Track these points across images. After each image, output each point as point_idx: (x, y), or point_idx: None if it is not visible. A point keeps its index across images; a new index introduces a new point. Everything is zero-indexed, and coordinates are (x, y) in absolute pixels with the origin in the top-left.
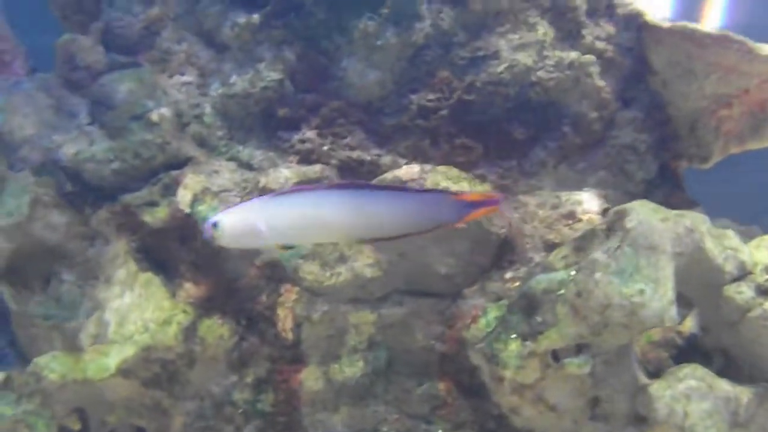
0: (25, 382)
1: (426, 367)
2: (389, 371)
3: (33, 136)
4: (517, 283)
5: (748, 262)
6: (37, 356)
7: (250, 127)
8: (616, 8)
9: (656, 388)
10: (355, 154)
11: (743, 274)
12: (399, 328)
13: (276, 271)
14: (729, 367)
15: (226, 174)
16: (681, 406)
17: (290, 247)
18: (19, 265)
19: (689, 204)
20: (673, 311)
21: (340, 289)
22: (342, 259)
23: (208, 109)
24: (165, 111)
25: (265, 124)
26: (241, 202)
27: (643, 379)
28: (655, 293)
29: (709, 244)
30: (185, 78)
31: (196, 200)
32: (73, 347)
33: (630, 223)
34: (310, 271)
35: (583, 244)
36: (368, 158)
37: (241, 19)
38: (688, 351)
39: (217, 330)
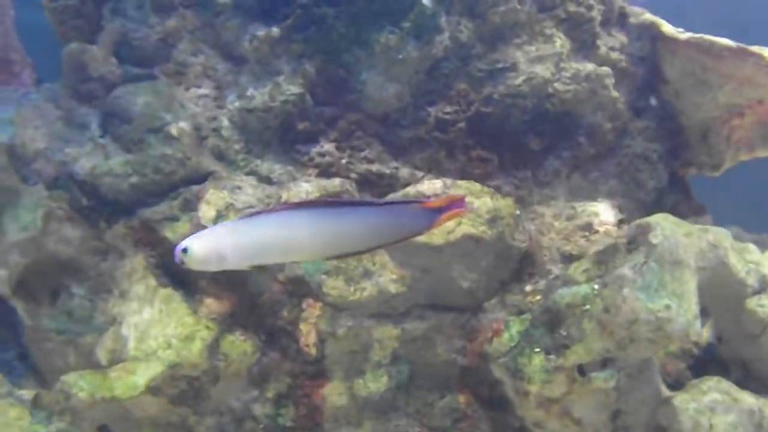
0: (55, 400)
1: (447, 380)
2: (410, 385)
3: (45, 150)
4: (538, 297)
5: None
6: (50, 371)
7: (268, 140)
8: (628, 17)
9: (680, 400)
10: (374, 168)
11: (764, 287)
12: (421, 342)
13: (299, 287)
14: (747, 377)
15: (249, 189)
16: (706, 418)
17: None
18: (28, 279)
19: (698, 211)
20: (698, 325)
21: (364, 305)
22: (366, 274)
23: (225, 123)
24: (184, 125)
25: (282, 137)
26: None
27: (666, 391)
28: (680, 308)
29: (733, 259)
30: (202, 91)
31: (219, 216)
32: (88, 362)
33: (655, 238)
34: (334, 286)
35: (604, 257)
36: (387, 171)
37: (261, 32)
38: (705, 362)
39: (240, 346)
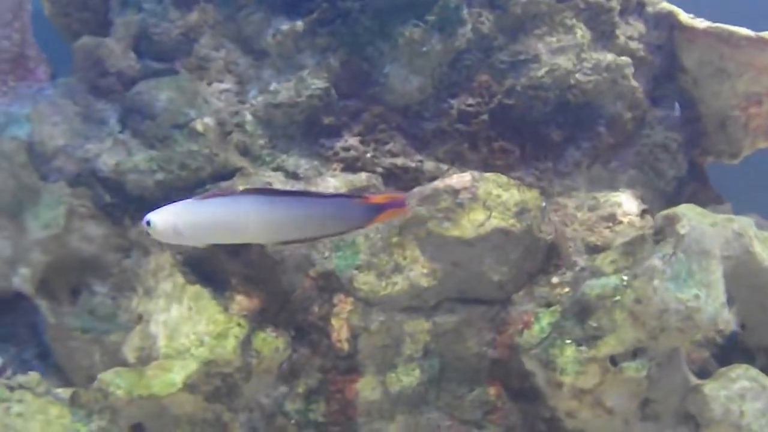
0: (93, 399)
1: (476, 373)
2: (441, 378)
3: (66, 146)
4: (567, 289)
5: None
6: (75, 369)
7: (292, 135)
8: (645, 6)
9: (711, 388)
10: (399, 161)
11: None
12: (452, 335)
13: (329, 282)
14: None
15: (278, 186)
16: (736, 405)
17: None
18: (49, 277)
19: (717, 200)
20: (725, 314)
21: (396, 299)
22: (397, 268)
23: (248, 118)
24: (208, 120)
25: (306, 131)
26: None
27: (693, 379)
28: (708, 297)
29: (757, 248)
30: (223, 85)
31: None
32: (114, 360)
33: (683, 229)
34: (365, 281)
35: (632, 248)
36: (413, 165)
37: (285, 26)
38: (729, 350)
39: (272, 342)
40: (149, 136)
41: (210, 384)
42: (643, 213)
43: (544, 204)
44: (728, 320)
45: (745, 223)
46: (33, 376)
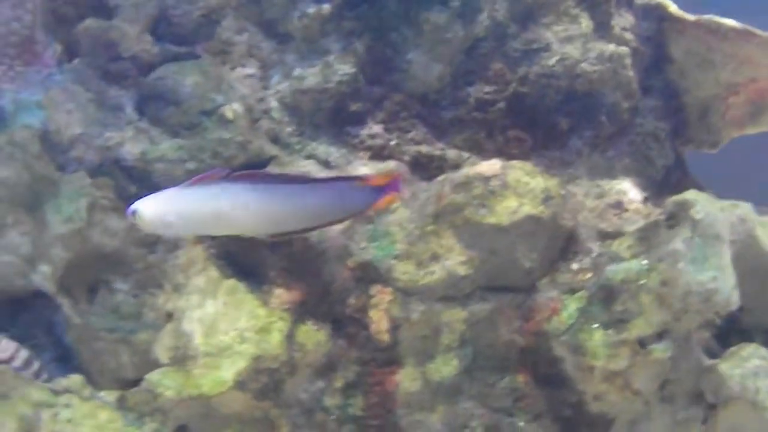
0: (143, 401)
1: (506, 361)
2: (473, 367)
3: (83, 135)
4: (589, 275)
5: None
6: (101, 371)
7: (318, 123)
8: None
9: (726, 367)
10: (424, 149)
11: None
12: (485, 323)
13: (366, 272)
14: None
15: (319, 174)
16: (752, 382)
17: None
18: (68, 275)
19: (698, 187)
20: (737, 295)
21: (434, 288)
22: (435, 257)
23: (274, 104)
24: (237, 106)
25: (332, 119)
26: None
27: (706, 360)
28: (723, 280)
29: (760, 232)
30: (247, 70)
31: None
32: (143, 361)
33: (698, 214)
34: (404, 270)
35: (646, 234)
36: (437, 153)
37: (311, 9)
38: (727, 331)
39: (314, 335)
40: (173, 123)
41: (258, 381)
42: (645, 200)
43: (563, 191)
44: (738, 301)
45: (747, 208)
46: (76, 379)
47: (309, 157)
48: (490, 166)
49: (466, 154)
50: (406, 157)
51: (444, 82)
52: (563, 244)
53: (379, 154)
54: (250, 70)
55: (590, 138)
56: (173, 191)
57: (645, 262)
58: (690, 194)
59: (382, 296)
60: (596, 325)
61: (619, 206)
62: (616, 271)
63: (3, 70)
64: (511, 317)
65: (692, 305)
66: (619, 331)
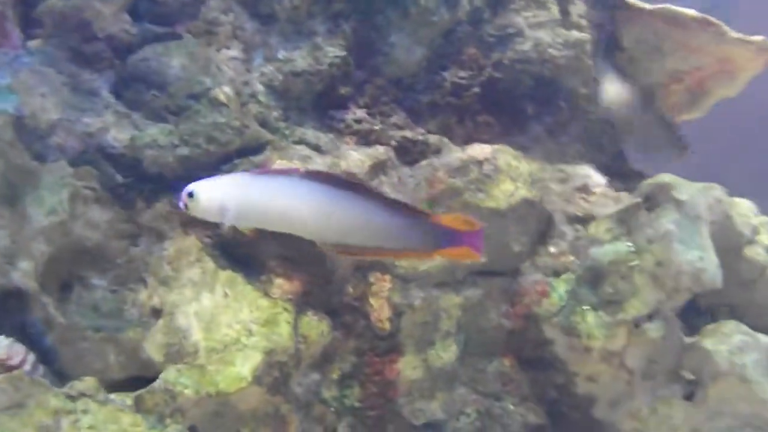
0: (162, 401)
1: (494, 345)
2: (464, 352)
3: (62, 120)
4: (571, 257)
5: (757, 226)
6: (85, 374)
7: (304, 107)
8: None
9: (710, 344)
10: (409, 134)
11: (755, 236)
12: (477, 309)
13: (364, 261)
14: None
15: (317, 159)
16: (738, 358)
17: None
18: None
19: (636, 174)
20: (720, 274)
21: (433, 274)
22: None
23: (260, 88)
24: (228, 90)
25: (316, 103)
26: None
27: (686, 338)
28: (708, 259)
29: (733, 212)
30: (231, 52)
31: None
32: (133, 361)
33: (682, 195)
34: None
35: (625, 216)
36: (420, 138)
37: None
38: (691, 308)
39: (317, 326)
40: (156, 107)
41: (270, 375)
42: (608, 184)
43: (542, 175)
44: (721, 279)
45: (720, 190)
46: (91, 382)
47: (299, 142)
48: (482, 149)
49: (446, 139)
50: (393, 142)
51: (421, 67)
52: (544, 228)
53: (366, 138)
54: (234, 52)
55: (550, 123)
56: (234, 177)
57: (630, 243)
58: (666, 177)
59: (382, 284)
60: (587, 307)
61: (585, 190)
62: (603, 253)
63: None
64: (499, 301)
65: (683, 284)
66: (613, 312)
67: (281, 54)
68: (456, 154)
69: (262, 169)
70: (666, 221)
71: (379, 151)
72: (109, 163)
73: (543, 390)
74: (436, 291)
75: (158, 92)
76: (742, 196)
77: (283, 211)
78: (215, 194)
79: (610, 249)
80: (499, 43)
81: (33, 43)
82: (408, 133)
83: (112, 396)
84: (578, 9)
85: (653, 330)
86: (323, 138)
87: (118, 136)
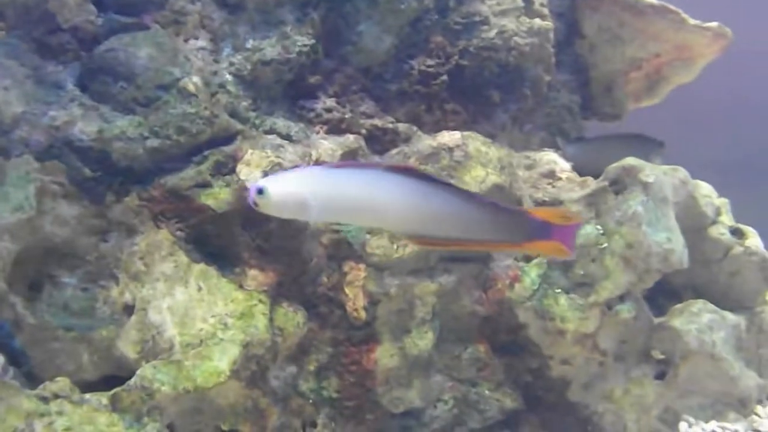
0: (138, 399)
1: (468, 331)
2: (439, 339)
3: (26, 114)
4: None
5: (719, 207)
6: (57, 376)
7: (273, 96)
8: None
9: (681, 323)
10: (378, 123)
11: (717, 216)
12: (451, 295)
13: (338, 250)
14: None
15: (290, 148)
16: (708, 336)
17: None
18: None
19: None
20: (686, 255)
21: (406, 262)
22: None
23: (228, 77)
24: (197, 80)
25: (285, 93)
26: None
27: (654, 318)
28: (676, 240)
29: (697, 194)
30: (199, 42)
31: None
32: (106, 360)
33: (648, 178)
34: (378, 245)
35: (594, 200)
36: (390, 126)
37: None
38: (657, 289)
39: (292, 318)
40: (124, 99)
41: (248, 368)
42: (573, 168)
43: (512, 161)
44: (687, 260)
45: (685, 172)
46: (64, 382)
47: (270, 132)
48: (452, 136)
49: (414, 128)
50: (363, 131)
51: (389, 55)
52: None
53: (337, 127)
54: (202, 42)
55: (514, 111)
56: (310, 171)
57: (599, 227)
58: (631, 160)
59: (356, 273)
60: (558, 290)
61: (551, 175)
62: None
63: None
64: (472, 288)
65: (653, 265)
66: (585, 294)
67: (250, 43)
68: (427, 142)
69: (339, 162)
70: (634, 203)
71: (350, 139)
72: (76, 156)
73: (518, 374)
74: (411, 278)
75: (126, 83)
76: None
77: (372, 204)
78: (291, 189)
79: (580, 232)
80: (465, 30)
81: None
82: (378, 122)
83: (87, 396)
84: None
85: (625, 311)
86: (294, 127)
87: (85, 128)
